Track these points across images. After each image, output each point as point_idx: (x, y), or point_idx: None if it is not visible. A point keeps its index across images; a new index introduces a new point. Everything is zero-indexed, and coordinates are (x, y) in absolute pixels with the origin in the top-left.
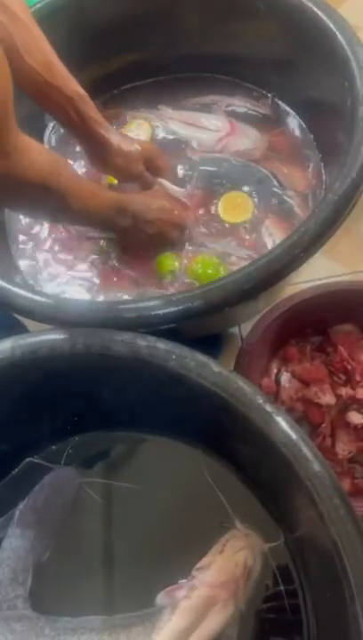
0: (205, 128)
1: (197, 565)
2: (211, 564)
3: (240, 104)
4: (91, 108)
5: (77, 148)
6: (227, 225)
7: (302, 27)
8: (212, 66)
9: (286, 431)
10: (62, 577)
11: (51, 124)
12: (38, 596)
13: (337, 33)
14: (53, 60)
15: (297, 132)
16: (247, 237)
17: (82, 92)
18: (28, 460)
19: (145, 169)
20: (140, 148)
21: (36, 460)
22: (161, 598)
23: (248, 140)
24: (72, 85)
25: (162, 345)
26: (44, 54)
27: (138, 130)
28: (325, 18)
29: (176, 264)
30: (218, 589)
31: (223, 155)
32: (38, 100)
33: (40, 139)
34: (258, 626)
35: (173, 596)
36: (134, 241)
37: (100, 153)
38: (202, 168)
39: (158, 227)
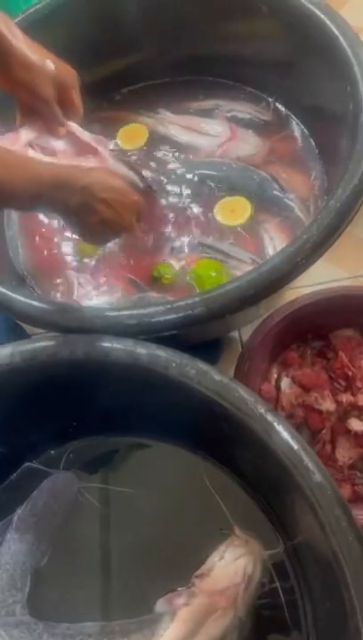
0: (206, 133)
1: (197, 572)
2: (210, 570)
3: (242, 109)
4: None
5: None
6: (225, 228)
7: (304, 29)
8: (214, 68)
9: (287, 441)
10: (61, 582)
11: None
12: (36, 602)
13: (339, 36)
14: None
15: (299, 138)
16: (248, 240)
17: None
18: (26, 464)
19: (55, 99)
20: (53, 66)
21: (35, 465)
22: (160, 605)
23: (249, 145)
24: None
25: (162, 352)
26: None
27: (135, 132)
28: (327, 21)
29: (165, 272)
30: (218, 596)
31: (223, 159)
32: None
33: None
34: (258, 633)
35: (172, 602)
36: (84, 226)
37: None
38: (201, 172)
39: (114, 208)
